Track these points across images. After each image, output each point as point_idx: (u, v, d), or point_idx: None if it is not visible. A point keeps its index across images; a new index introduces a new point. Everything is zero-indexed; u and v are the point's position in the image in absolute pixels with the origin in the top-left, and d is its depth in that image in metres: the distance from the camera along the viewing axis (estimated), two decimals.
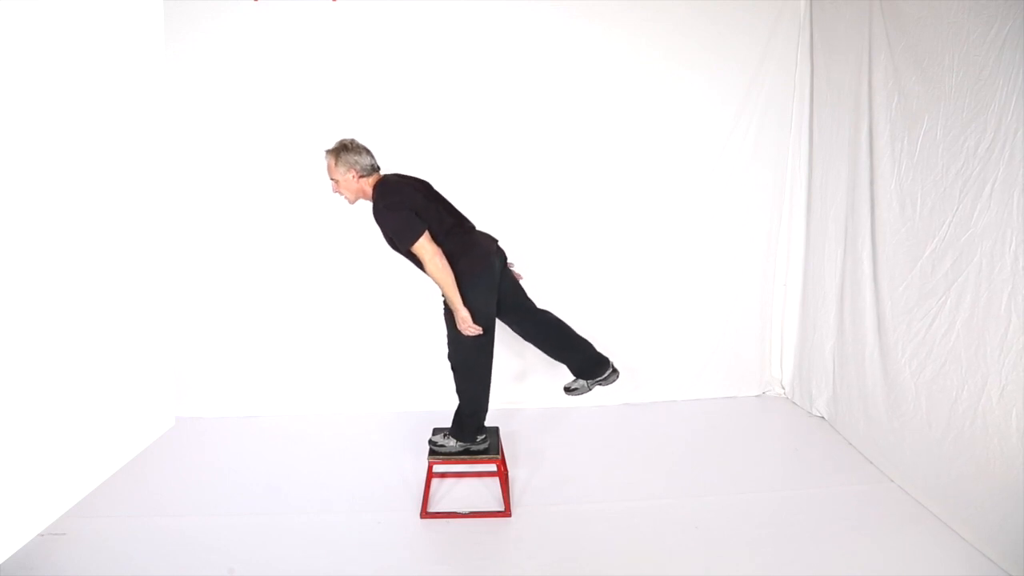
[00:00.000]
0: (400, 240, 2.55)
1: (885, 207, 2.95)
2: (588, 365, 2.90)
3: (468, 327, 2.60)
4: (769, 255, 3.97)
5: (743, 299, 3.99)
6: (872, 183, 3.06)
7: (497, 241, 2.80)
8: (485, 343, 2.73)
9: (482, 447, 2.86)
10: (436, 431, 2.93)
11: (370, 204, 2.64)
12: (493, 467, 2.91)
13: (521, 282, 2.92)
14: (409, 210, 2.55)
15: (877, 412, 3.04)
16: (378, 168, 2.68)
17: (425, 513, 2.78)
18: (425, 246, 2.52)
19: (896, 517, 2.71)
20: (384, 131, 3.65)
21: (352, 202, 2.71)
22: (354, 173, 2.60)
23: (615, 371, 2.92)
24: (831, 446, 3.37)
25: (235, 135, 3.61)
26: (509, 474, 2.99)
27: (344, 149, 2.61)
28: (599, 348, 2.94)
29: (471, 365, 2.76)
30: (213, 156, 3.63)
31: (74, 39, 1.85)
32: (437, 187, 2.85)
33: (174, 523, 2.73)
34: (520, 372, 3.86)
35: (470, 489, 3.00)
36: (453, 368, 2.79)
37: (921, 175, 2.73)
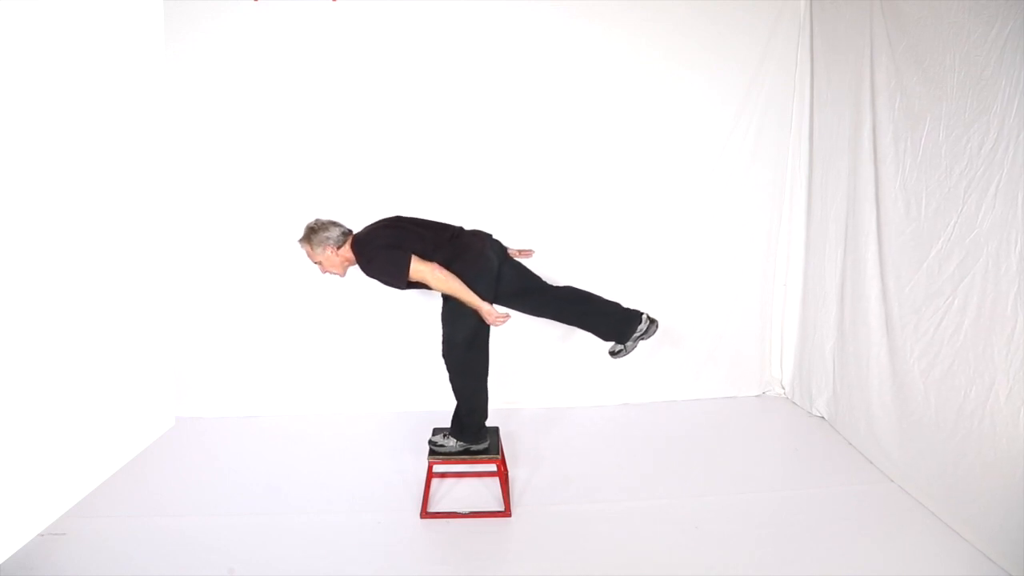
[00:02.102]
0: (395, 277, 2.57)
1: (890, 207, 2.95)
2: (620, 327, 2.82)
3: (495, 319, 2.60)
4: (769, 255, 3.97)
5: (743, 299, 3.99)
6: (876, 183, 3.06)
7: (490, 236, 2.81)
8: (479, 342, 2.74)
9: (482, 447, 2.85)
10: (436, 431, 2.93)
11: (369, 274, 2.66)
12: (493, 467, 2.90)
13: (527, 261, 2.92)
14: (386, 248, 2.58)
15: (883, 412, 3.03)
16: (349, 231, 2.70)
17: (425, 513, 2.78)
18: (419, 268, 2.54)
19: (896, 517, 2.72)
20: (384, 131, 3.66)
21: (343, 274, 2.74)
22: (331, 248, 2.64)
23: (653, 321, 2.83)
24: (831, 446, 3.37)
25: (235, 135, 3.61)
26: (509, 474, 2.99)
27: (312, 232, 2.66)
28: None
29: (465, 364, 2.76)
30: (213, 156, 3.63)
31: (74, 39, 1.85)
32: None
33: (174, 523, 2.73)
34: (520, 372, 3.86)
35: (470, 489, 3.00)
36: (448, 367, 2.79)
37: (925, 175, 2.73)
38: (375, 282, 2.64)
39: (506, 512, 2.78)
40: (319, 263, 2.69)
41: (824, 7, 3.54)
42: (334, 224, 2.68)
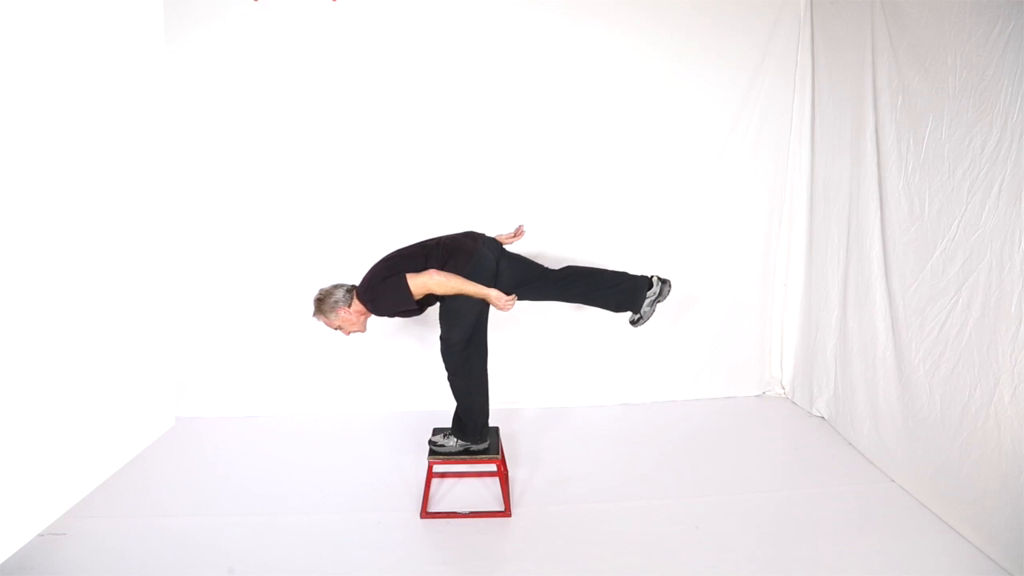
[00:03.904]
0: (400, 302, 2.58)
1: (894, 207, 2.95)
2: (629, 296, 2.77)
3: (505, 302, 2.59)
4: (769, 255, 3.97)
5: (743, 299, 3.99)
6: (879, 183, 3.06)
7: (483, 235, 2.81)
8: (476, 342, 2.74)
9: (482, 447, 2.85)
10: (436, 431, 2.93)
11: (382, 314, 2.70)
12: (493, 467, 2.90)
13: (521, 242, 2.92)
14: (382, 281, 2.60)
15: (888, 411, 3.03)
16: (352, 287, 2.72)
17: (425, 513, 2.78)
18: (416, 281, 2.55)
19: (897, 517, 2.71)
20: (385, 130, 3.66)
21: (364, 329, 2.77)
22: (343, 309, 2.68)
23: (664, 282, 2.78)
24: (831, 446, 3.37)
25: (235, 135, 3.61)
26: (509, 474, 2.99)
27: (320, 302, 2.69)
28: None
29: (463, 363, 2.75)
30: (213, 156, 3.62)
31: (74, 39, 1.85)
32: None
33: (174, 523, 2.73)
34: (520, 372, 3.86)
35: (470, 489, 3.00)
36: (446, 367, 2.79)
37: (928, 175, 2.73)
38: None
39: (506, 512, 2.78)
40: (339, 327, 2.72)
41: (824, 7, 3.53)
42: (336, 287, 2.71)
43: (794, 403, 3.94)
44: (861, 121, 3.18)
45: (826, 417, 3.64)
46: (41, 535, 2.47)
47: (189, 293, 3.67)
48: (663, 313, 3.86)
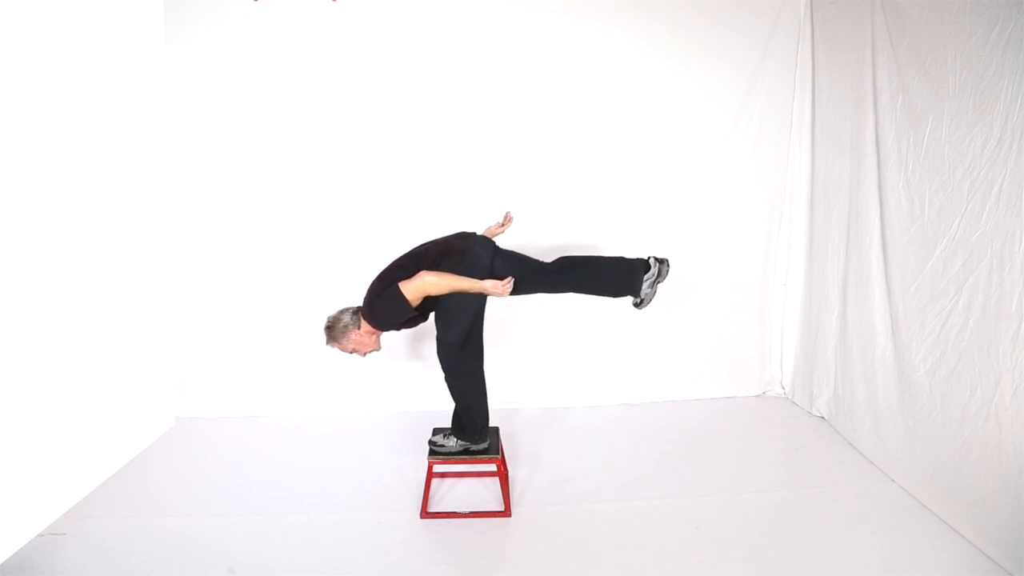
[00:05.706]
0: (399, 311, 2.58)
1: (894, 207, 2.95)
2: (627, 279, 2.71)
3: (503, 286, 2.58)
4: (769, 255, 3.97)
5: (743, 299, 3.99)
6: (880, 183, 3.06)
7: (474, 234, 2.81)
8: (472, 342, 2.74)
9: (482, 447, 2.85)
10: (436, 431, 2.93)
11: (387, 328, 2.72)
12: (493, 467, 2.90)
13: (503, 236, 2.91)
14: (377, 296, 2.62)
15: (888, 411, 3.03)
16: (357, 308, 2.73)
17: (425, 513, 2.78)
18: (410, 286, 2.54)
19: (897, 517, 2.71)
20: (384, 130, 3.66)
21: (379, 347, 2.78)
22: (353, 332, 2.69)
23: (659, 261, 2.73)
24: (831, 446, 3.37)
25: (235, 135, 3.61)
26: (509, 474, 2.99)
27: (331, 329, 2.71)
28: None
29: (458, 364, 2.76)
30: (213, 157, 3.62)
31: (74, 39, 1.85)
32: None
33: (174, 523, 2.73)
34: (520, 372, 3.86)
35: (470, 489, 3.00)
36: (443, 367, 2.79)
37: (928, 175, 2.73)
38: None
39: (506, 512, 2.78)
40: (354, 351, 2.73)
41: (824, 7, 3.53)
42: (342, 311, 2.73)
43: (794, 403, 3.94)
44: (861, 121, 3.18)
45: (826, 417, 3.64)
46: (41, 535, 2.47)
47: (189, 294, 3.67)
48: (663, 313, 3.87)
